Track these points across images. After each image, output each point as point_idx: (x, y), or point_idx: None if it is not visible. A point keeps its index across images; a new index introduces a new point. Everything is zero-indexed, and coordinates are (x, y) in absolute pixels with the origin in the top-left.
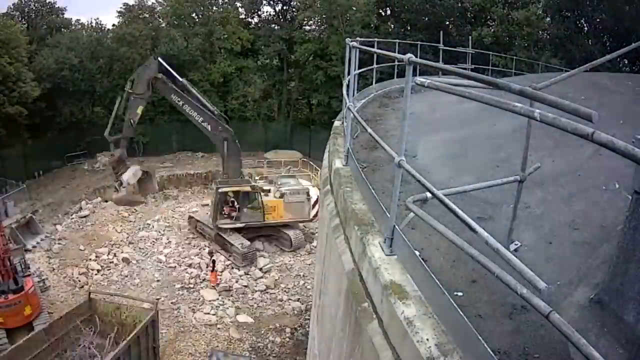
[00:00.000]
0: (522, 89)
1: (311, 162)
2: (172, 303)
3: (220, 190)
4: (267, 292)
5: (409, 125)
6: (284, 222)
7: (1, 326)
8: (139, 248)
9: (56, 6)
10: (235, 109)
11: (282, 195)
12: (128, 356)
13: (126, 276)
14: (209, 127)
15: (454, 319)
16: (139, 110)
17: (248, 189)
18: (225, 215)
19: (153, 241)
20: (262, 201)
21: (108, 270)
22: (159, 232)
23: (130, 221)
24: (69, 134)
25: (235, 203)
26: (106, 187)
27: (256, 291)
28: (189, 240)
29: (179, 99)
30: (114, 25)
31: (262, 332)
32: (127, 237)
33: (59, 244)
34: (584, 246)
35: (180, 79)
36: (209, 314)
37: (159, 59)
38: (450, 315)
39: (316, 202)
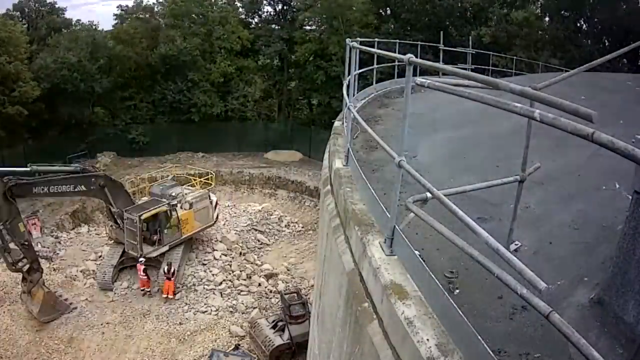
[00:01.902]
0: (522, 89)
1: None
2: (171, 302)
3: (143, 217)
4: None
5: (409, 125)
6: (194, 232)
7: None
8: None
9: (56, 6)
10: (236, 109)
11: (191, 206)
12: None
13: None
14: (84, 188)
15: (454, 319)
16: (22, 228)
17: (166, 208)
18: (149, 243)
19: None
20: (178, 217)
21: None
22: None
23: None
24: (69, 134)
25: (156, 226)
26: None
27: None
28: None
29: (42, 187)
30: (113, 26)
31: None
32: None
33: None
34: (584, 246)
35: (26, 168)
36: (210, 314)
37: None
38: (450, 315)
39: (216, 204)
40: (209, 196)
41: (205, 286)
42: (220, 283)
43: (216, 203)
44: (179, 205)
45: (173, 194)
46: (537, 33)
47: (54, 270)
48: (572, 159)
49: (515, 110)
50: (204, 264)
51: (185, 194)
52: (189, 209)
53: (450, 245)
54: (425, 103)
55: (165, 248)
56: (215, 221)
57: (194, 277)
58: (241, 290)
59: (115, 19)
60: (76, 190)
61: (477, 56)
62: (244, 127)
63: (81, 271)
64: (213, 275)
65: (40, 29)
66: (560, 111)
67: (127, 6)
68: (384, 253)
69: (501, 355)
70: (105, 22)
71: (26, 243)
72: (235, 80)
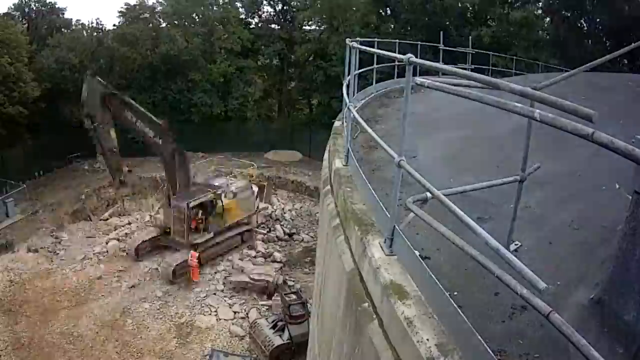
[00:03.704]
0: (523, 89)
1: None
2: (171, 302)
3: (191, 205)
4: None
5: (409, 125)
6: (238, 219)
7: None
8: None
9: (57, 6)
10: (236, 109)
11: (234, 195)
12: None
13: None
14: (160, 142)
15: (454, 319)
16: (113, 135)
17: (213, 196)
18: (194, 230)
19: None
20: (222, 205)
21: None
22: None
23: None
24: (69, 134)
25: (201, 214)
26: (106, 187)
27: None
28: None
29: (132, 116)
30: (114, 25)
31: None
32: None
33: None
34: (584, 246)
35: (120, 94)
36: (210, 314)
37: (97, 77)
38: (450, 315)
39: (257, 194)
40: (251, 187)
41: (205, 286)
42: (219, 286)
43: (257, 193)
44: (223, 194)
45: (217, 184)
46: (537, 33)
47: (53, 270)
48: (572, 159)
49: (515, 110)
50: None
51: (229, 184)
52: (233, 198)
53: (450, 245)
54: (425, 103)
55: (210, 235)
56: (257, 210)
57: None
58: (241, 290)
59: (119, 16)
60: (154, 138)
61: (477, 56)
62: (244, 127)
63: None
64: (214, 274)
65: (40, 29)
66: (560, 111)
67: (129, 4)
68: (384, 253)
69: (501, 355)
70: (105, 10)
71: (114, 150)
72: (235, 80)
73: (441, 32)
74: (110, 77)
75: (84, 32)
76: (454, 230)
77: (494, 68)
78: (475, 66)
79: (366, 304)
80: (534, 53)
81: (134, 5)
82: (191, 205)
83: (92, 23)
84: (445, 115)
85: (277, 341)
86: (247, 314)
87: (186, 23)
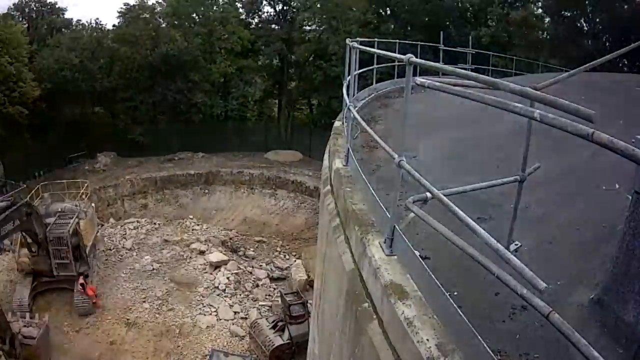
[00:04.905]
0: (522, 89)
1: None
2: (172, 302)
3: (70, 232)
4: None
5: (409, 125)
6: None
7: None
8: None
9: (57, 6)
10: (236, 109)
11: (86, 214)
12: None
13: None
14: (19, 222)
15: (454, 319)
16: None
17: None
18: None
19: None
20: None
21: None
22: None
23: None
24: (70, 134)
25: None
26: (106, 187)
27: None
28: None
29: None
30: (114, 25)
31: None
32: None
33: None
34: (584, 246)
35: None
36: (210, 314)
37: None
38: (450, 315)
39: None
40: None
41: (206, 286)
42: (221, 286)
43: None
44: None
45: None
46: (537, 33)
47: None
48: (572, 159)
49: (515, 110)
50: (203, 265)
51: (78, 205)
52: (86, 217)
53: (450, 245)
54: (425, 103)
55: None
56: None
57: (194, 277)
58: (242, 291)
59: (119, 17)
60: (15, 226)
61: (477, 56)
62: (244, 127)
63: None
64: (213, 275)
65: (40, 29)
66: (560, 111)
67: (129, 4)
68: (384, 253)
69: (501, 355)
70: (106, 10)
71: None
72: (235, 80)
73: (441, 32)
74: (111, 77)
75: (84, 32)
76: (454, 230)
77: (493, 68)
78: (476, 66)
79: (366, 304)
80: (533, 53)
81: (134, 5)
82: (71, 232)
83: (92, 23)
84: (445, 115)
85: (278, 341)
86: (247, 314)
87: (186, 23)
